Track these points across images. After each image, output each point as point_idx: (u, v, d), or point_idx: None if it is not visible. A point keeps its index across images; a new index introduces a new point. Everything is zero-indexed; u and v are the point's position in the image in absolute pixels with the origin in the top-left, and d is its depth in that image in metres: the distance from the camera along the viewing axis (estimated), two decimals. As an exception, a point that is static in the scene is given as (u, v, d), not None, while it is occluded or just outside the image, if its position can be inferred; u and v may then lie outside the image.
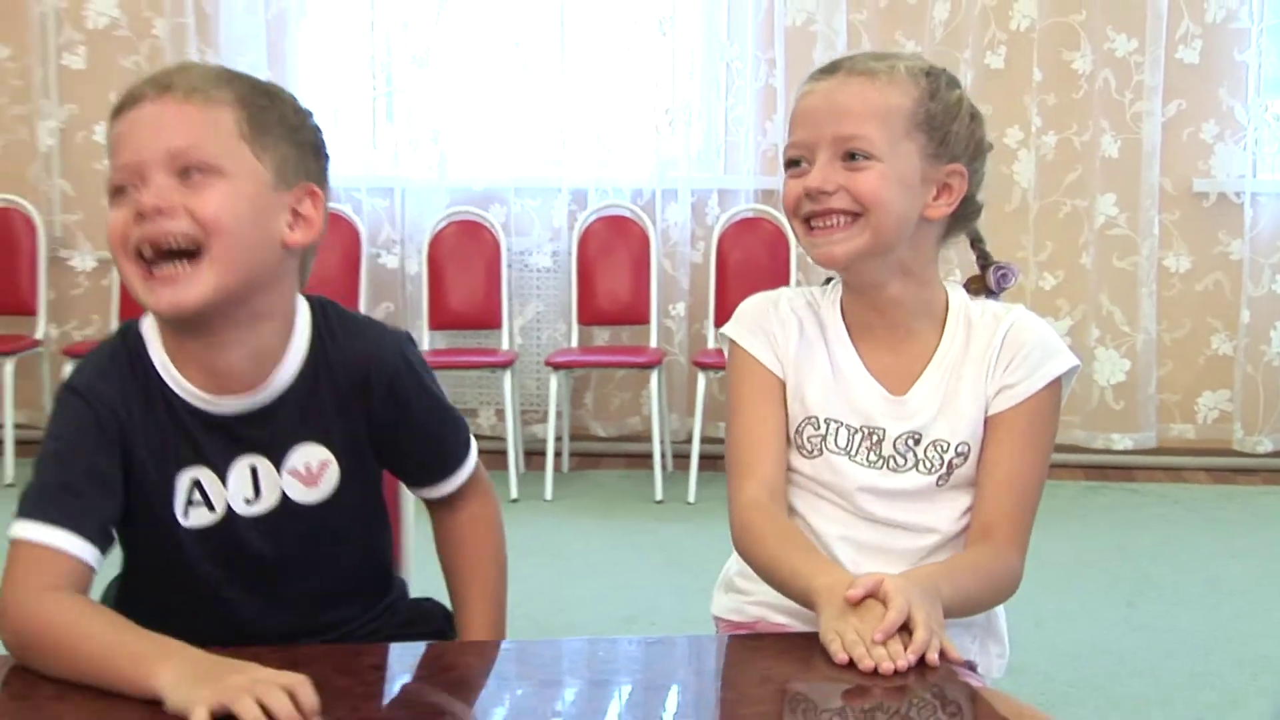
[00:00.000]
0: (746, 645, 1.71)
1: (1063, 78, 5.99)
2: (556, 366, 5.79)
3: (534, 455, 5.97)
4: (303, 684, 1.45)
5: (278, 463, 1.80)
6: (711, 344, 5.93)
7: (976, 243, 2.10)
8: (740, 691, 1.61)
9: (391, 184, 6.22)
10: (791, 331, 2.00)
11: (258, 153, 1.70)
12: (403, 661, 1.66)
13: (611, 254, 6.11)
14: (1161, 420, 6.13)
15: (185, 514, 1.77)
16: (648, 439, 5.85)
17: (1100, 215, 5.99)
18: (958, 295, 2.02)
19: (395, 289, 6.26)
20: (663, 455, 5.75)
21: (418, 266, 6.13)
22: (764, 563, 1.87)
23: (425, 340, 6.05)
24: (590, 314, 6.13)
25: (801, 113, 1.94)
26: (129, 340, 1.78)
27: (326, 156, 1.83)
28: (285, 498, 1.81)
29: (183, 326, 1.73)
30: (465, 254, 6.10)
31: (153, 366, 1.76)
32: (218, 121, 1.69)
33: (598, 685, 1.66)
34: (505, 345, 6.06)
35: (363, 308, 6.02)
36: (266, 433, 1.79)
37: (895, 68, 1.92)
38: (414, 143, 6.17)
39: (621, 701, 1.59)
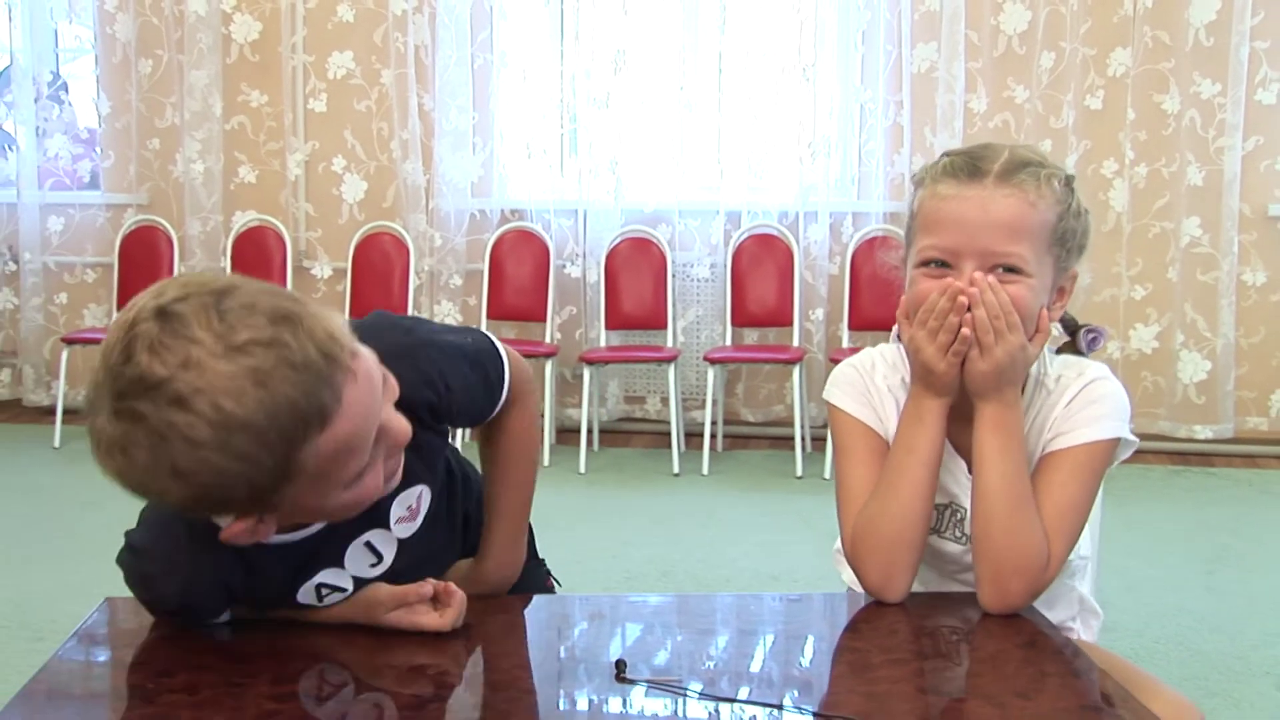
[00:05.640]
0: (874, 603, 1.68)
1: (1153, 117, 5.84)
2: (713, 361, 5.78)
3: (693, 437, 5.96)
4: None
5: (386, 524, 1.61)
6: (846, 343, 5.89)
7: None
8: (870, 641, 1.59)
9: (576, 206, 6.25)
10: (890, 409, 1.78)
11: None
12: (560, 611, 1.65)
13: (760, 266, 6.08)
14: (1238, 414, 5.96)
15: (319, 600, 1.60)
16: (790, 424, 5.81)
17: (1186, 236, 5.84)
18: (1038, 360, 1.75)
19: (578, 295, 6.30)
20: (803, 438, 5.70)
21: (597, 276, 6.17)
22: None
23: (603, 338, 6.11)
24: (742, 317, 6.11)
25: (947, 216, 1.67)
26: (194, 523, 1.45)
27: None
28: (399, 543, 1.63)
29: None
30: (637, 265, 6.13)
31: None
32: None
33: (746, 634, 1.65)
34: (670, 343, 6.08)
35: (549, 311, 6.13)
36: (367, 512, 1.52)
37: (1041, 178, 1.67)
38: (595, 171, 6.19)
39: (766, 649, 1.58)
